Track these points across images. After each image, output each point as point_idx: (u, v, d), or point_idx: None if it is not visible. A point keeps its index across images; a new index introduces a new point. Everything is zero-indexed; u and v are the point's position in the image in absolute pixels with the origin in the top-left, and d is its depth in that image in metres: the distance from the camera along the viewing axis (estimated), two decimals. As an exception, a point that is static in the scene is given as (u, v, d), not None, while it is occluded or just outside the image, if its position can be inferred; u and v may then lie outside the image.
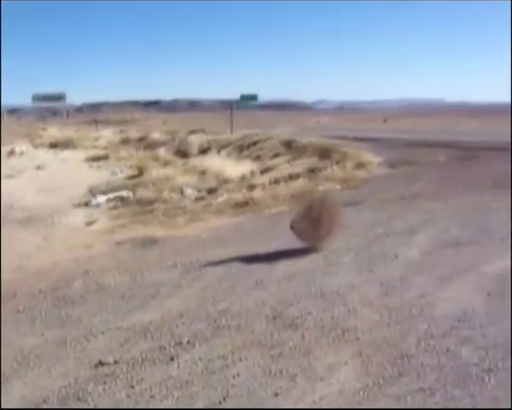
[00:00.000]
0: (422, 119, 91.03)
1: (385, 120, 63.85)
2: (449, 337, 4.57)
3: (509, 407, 4.15)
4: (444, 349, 4.37)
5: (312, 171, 17.01)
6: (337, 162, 17.85)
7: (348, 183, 14.50)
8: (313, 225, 7.57)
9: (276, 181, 15.88)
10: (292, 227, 7.81)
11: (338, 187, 14.20)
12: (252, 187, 15.13)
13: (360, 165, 17.27)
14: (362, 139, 25.09)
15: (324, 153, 19.63)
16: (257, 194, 13.86)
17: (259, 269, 6.77)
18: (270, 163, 19.86)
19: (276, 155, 21.61)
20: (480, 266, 6.33)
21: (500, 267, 6.24)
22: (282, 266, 6.78)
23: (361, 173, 16.01)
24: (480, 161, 17.04)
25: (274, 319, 5.17)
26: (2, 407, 4.67)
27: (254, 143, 24.68)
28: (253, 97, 42.61)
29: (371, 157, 18.64)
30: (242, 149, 24.49)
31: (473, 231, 8.00)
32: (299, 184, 14.91)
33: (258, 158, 21.59)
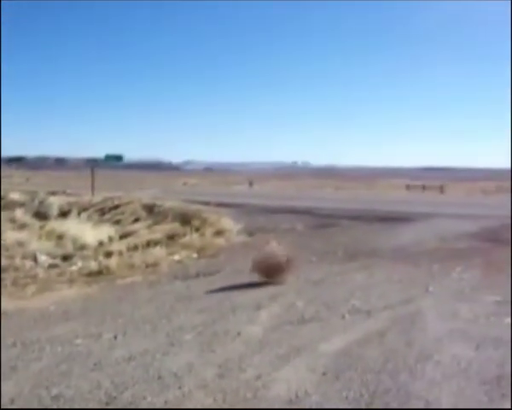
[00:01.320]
0: (288, 181, 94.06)
1: (251, 183, 65.34)
2: (277, 422, 4.65)
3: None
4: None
5: (172, 237, 17.04)
6: (197, 229, 17.99)
7: (205, 251, 14.64)
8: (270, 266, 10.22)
9: (135, 248, 15.74)
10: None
11: (195, 255, 14.29)
12: (109, 254, 14.89)
13: (219, 232, 17.49)
14: (225, 204, 25.52)
15: (185, 218, 19.74)
16: (113, 262, 13.64)
17: (100, 349, 6.63)
18: (130, 228, 19.70)
19: (136, 220, 21.50)
20: (319, 344, 6.49)
21: (337, 346, 6.42)
22: (124, 347, 6.67)
23: (219, 241, 16.21)
24: (336, 229, 17.79)
25: (107, 404, 5.08)
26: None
27: (116, 207, 24.47)
28: (118, 158, 42.11)
29: (231, 224, 18.95)
30: (103, 212, 24.18)
31: (317, 306, 8.23)
32: (157, 251, 14.82)
33: (118, 222, 21.38)
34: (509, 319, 7.45)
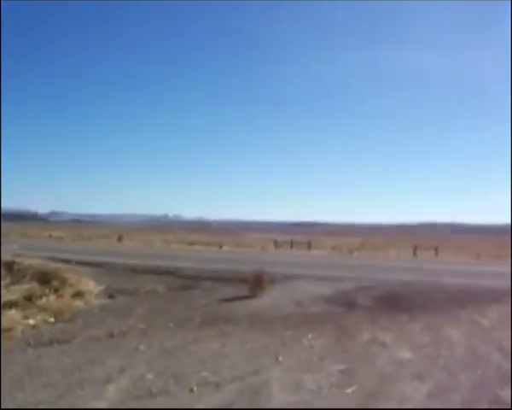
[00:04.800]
0: (158, 235, 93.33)
1: (120, 238, 64.31)
2: None
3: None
4: None
5: (29, 299, 16.50)
6: (56, 290, 17.55)
7: (63, 314, 14.28)
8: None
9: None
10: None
11: (51, 319, 13.93)
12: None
13: (79, 294, 17.15)
14: (88, 263, 25.10)
15: (45, 278, 19.20)
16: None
17: None
18: (-15, 289, 18.87)
19: (-6, 279, 20.62)
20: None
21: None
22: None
23: (78, 304, 15.88)
24: (197, 292, 17.89)
25: None
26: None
27: (-29, 265, 23.35)
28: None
29: (92, 285, 18.68)
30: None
31: (166, 378, 8.29)
32: (12, 314, 14.29)
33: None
34: (349, 390, 7.92)
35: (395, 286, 19.07)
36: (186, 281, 20.05)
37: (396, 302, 15.96)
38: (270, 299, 16.32)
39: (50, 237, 70.46)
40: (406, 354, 10.11)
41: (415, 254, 46.79)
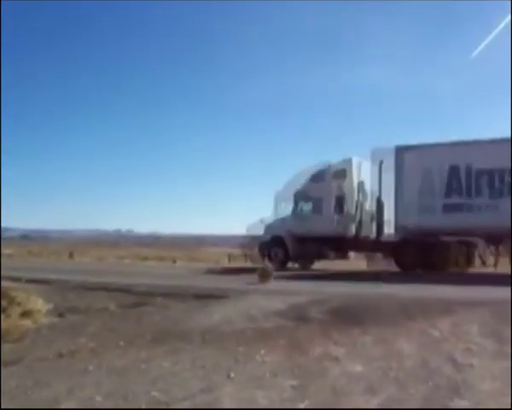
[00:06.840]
0: (110, 251, 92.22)
1: (71, 254, 63.34)
2: None
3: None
4: None
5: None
6: (3, 309, 17.15)
7: (10, 335, 13.96)
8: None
9: None
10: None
11: (-3, 341, 13.59)
12: None
13: (27, 313, 16.77)
14: (38, 281, 24.62)
15: (-8, 298, 18.75)
16: None
17: None
18: None
19: None
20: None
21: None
22: None
23: (26, 323, 15.53)
24: (150, 309, 17.64)
25: None
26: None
27: None
28: None
29: (41, 303, 18.30)
30: None
31: (115, 399, 8.13)
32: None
33: None
34: (302, 405, 7.91)
35: (349, 298, 19.08)
36: (138, 298, 19.75)
37: (350, 315, 15.96)
38: (222, 315, 16.18)
39: (-2, 254, 68.85)
40: (358, 368, 10.15)
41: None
